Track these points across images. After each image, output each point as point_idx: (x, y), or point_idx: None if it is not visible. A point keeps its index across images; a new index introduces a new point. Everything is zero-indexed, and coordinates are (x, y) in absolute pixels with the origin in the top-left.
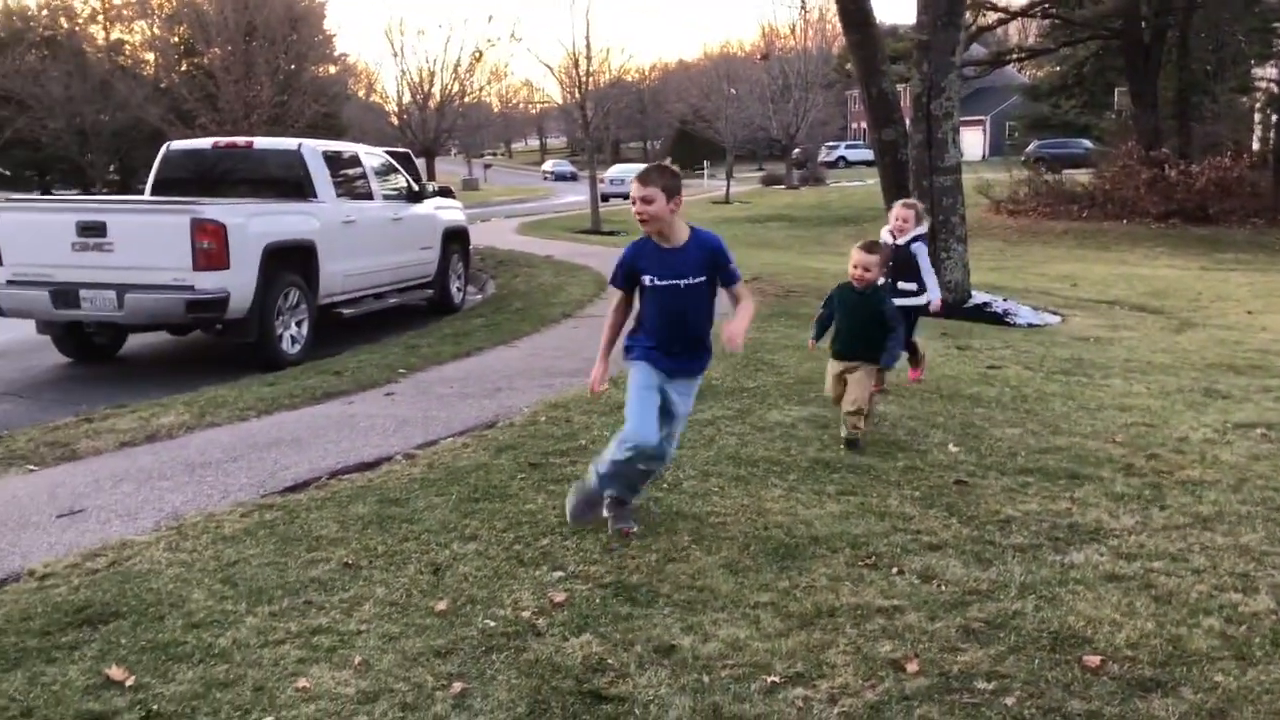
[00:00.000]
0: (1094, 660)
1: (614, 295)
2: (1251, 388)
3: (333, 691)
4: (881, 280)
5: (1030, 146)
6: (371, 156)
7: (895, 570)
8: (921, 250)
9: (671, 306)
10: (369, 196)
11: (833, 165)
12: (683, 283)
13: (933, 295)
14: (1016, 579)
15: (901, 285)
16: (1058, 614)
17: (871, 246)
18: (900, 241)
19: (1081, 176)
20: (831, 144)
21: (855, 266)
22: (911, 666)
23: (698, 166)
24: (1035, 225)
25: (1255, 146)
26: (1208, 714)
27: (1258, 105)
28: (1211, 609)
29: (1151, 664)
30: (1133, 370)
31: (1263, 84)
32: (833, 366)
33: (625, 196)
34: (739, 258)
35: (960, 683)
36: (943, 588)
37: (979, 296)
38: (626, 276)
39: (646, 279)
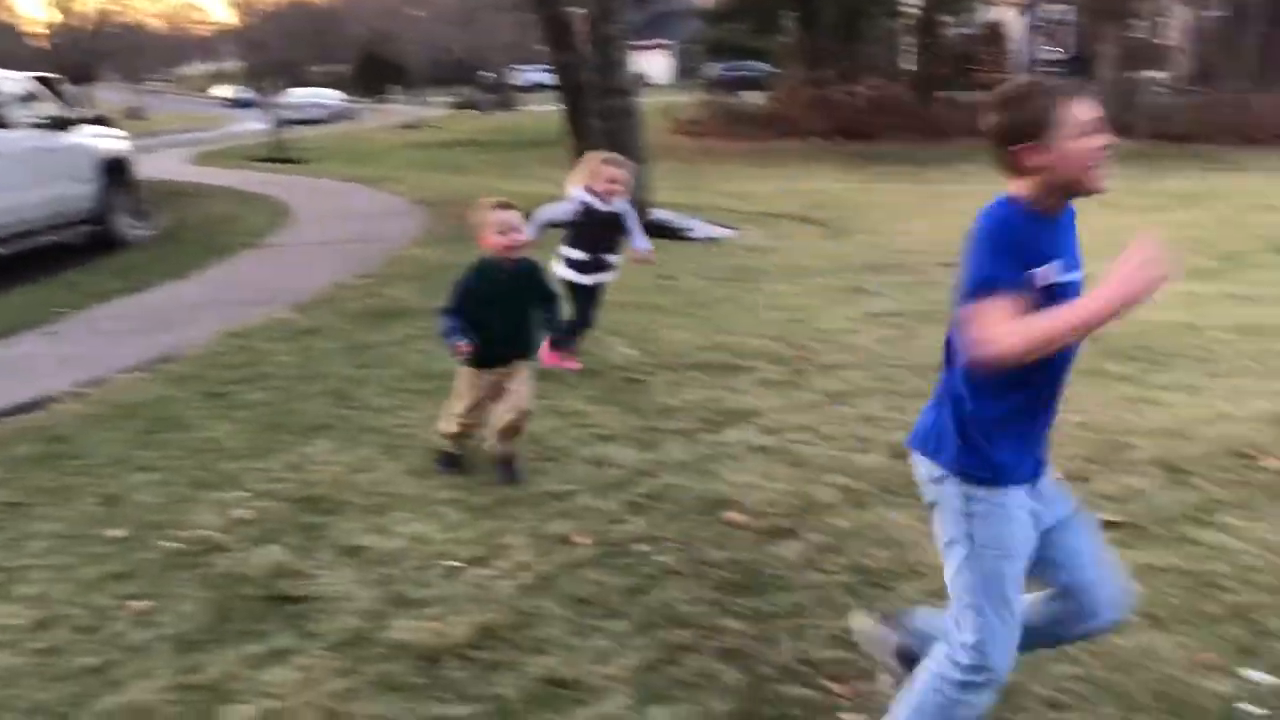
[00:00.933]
0: (736, 518)
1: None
2: (889, 284)
3: (2, 625)
4: (581, 255)
5: (711, 69)
6: (7, 81)
7: (571, 460)
8: (633, 214)
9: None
10: (3, 125)
11: (525, 90)
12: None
13: (645, 244)
14: (675, 458)
15: (608, 258)
16: (709, 484)
17: (508, 204)
18: (612, 207)
19: (757, 98)
20: (522, 68)
21: (501, 232)
22: (581, 539)
23: (385, 91)
24: (714, 146)
25: (908, 68)
26: (825, 549)
27: (905, 25)
28: (836, 468)
29: (784, 516)
30: (791, 274)
31: (910, 9)
32: (476, 379)
33: (308, 122)
34: (428, 183)
35: (621, 548)
36: (611, 471)
37: (658, 214)
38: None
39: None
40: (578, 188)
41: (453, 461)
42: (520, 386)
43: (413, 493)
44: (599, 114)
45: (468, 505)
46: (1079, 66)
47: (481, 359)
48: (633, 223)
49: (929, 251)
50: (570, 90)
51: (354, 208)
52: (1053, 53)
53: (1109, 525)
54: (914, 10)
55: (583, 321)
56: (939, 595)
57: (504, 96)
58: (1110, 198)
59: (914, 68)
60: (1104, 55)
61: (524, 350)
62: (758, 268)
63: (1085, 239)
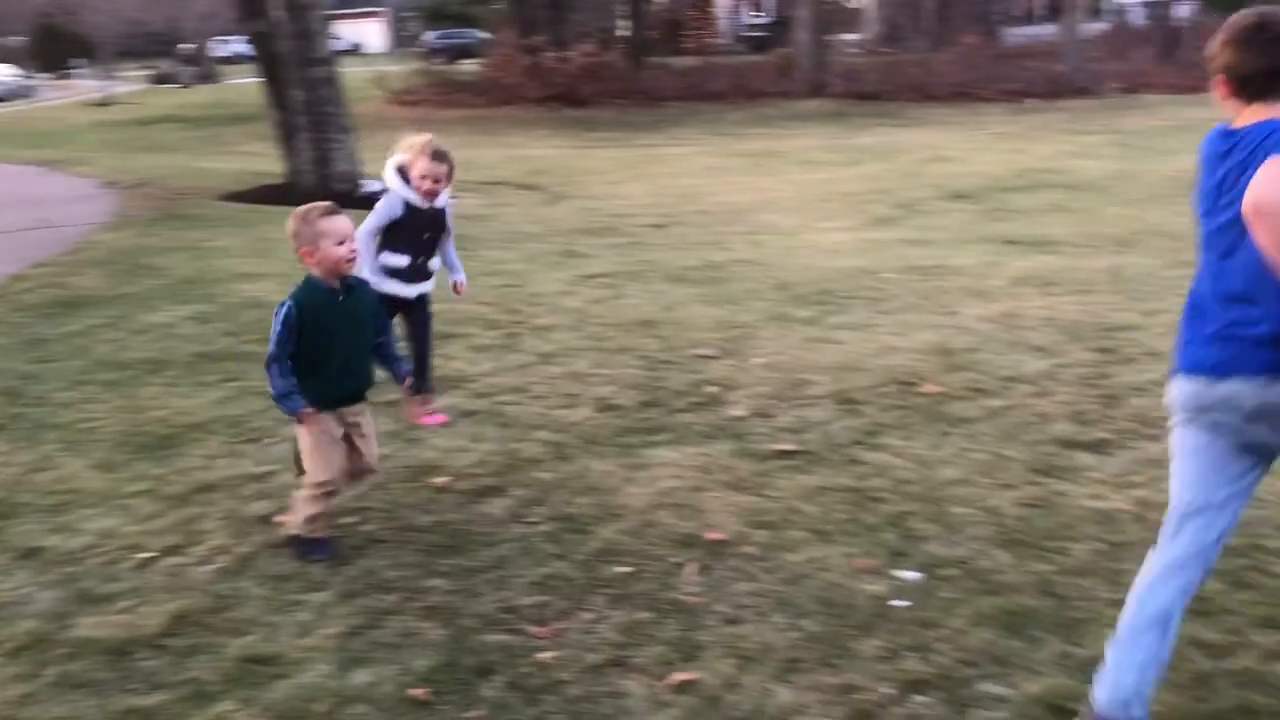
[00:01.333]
0: (442, 481)
1: None
2: (602, 246)
3: None
4: (401, 261)
5: (428, 37)
6: None
7: (268, 441)
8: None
9: None
10: None
11: (229, 61)
12: None
13: (460, 275)
14: (383, 429)
15: (432, 265)
16: (417, 452)
17: (337, 209)
18: (437, 204)
19: (473, 66)
20: (224, 38)
21: (340, 243)
22: (283, 518)
23: (68, 66)
24: (431, 115)
25: (620, 34)
26: (530, 503)
27: None
28: (543, 425)
29: (491, 475)
30: (508, 241)
31: None
32: (327, 433)
33: None
34: (121, 164)
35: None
36: None
37: (371, 185)
38: None
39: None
40: (394, 177)
41: (328, 546)
42: (370, 432)
43: (99, 487)
44: (299, 84)
45: (160, 495)
46: (779, 30)
47: (325, 403)
48: (450, 228)
49: (640, 214)
50: (268, 61)
51: (34, 193)
52: (756, 17)
53: (786, 454)
54: None
55: (424, 349)
56: (635, 534)
57: (205, 69)
58: (808, 154)
59: (627, 34)
60: (800, 19)
61: (368, 383)
62: (474, 235)
63: (785, 192)
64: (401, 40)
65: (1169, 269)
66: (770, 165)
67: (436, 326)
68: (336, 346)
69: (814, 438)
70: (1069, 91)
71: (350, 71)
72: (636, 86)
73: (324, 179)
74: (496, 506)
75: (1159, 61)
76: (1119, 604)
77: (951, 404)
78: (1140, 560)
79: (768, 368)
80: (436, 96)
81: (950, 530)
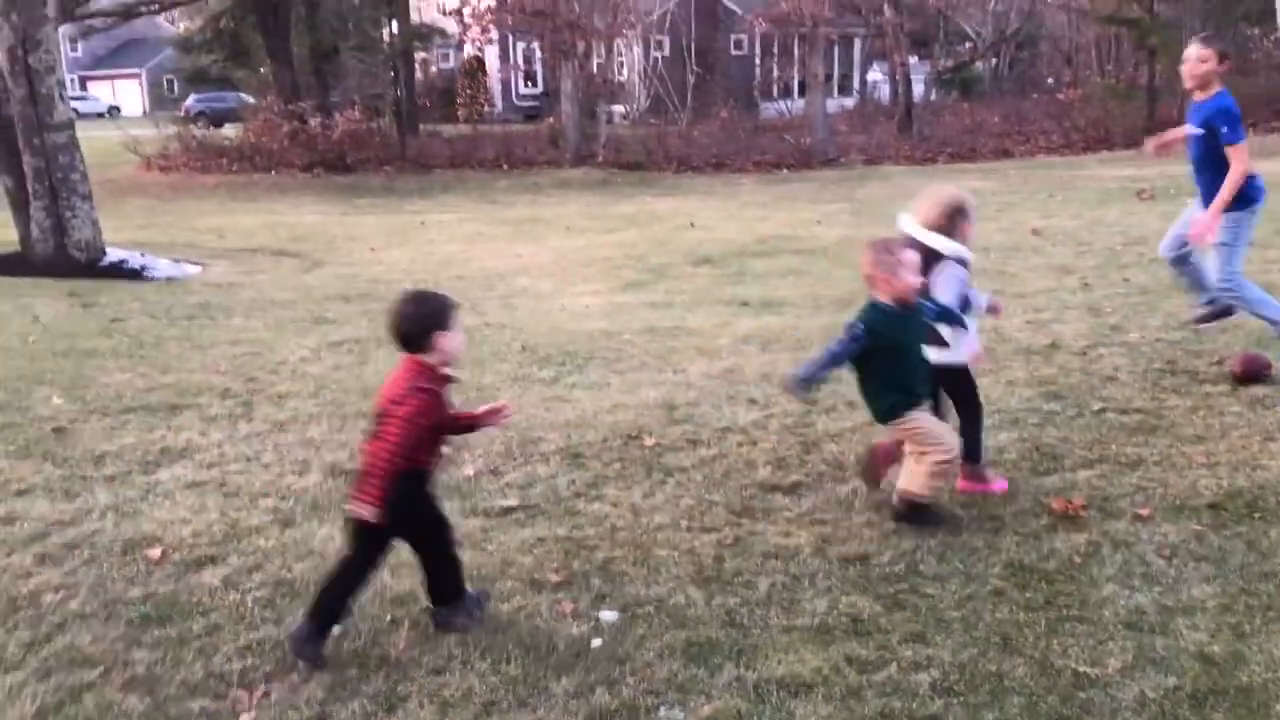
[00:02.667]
0: (156, 553)
1: None
2: (354, 312)
3: None
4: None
5: (189, 100)
6: None
7: None
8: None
9: None
10: None
11: None
12: None
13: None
14: (101, 504)
15: None
16: (134, 525)
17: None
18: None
19: (233, 131)
20: None
21: (914, 273)
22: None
23: None
24: (188, 180)
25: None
26: (247, 570)
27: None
28: (271, 493)
29: (209, 545)
30: (256, 308)
31: (385, 44)
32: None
33: None
34: None
35: (29, 600)
36: (25, 525)
37: (115, 254)
38: None
39: None
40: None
41: (951, 519)
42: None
43: None
44: (34, 150)
45: None
46: (550, 101)
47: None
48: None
49: (398, 280)
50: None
51: None
52: (529, 88)
53: (510, 510)
54: (390, 45)
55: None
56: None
57: None
58: (571, 221)
59: (395, 101)
60: (566, 91)
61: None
62: (221, 304)
63: (544, 258)
64: (162, 103)
65: None
66: (533, 232)
67: (167, 399)
68: (912, 363)
69: (539, 492)
70: (817, 163)
71: (102, 136)
72: (405, 153)
73: (61, 248)
74: (212, 575)
75: (898, 135)
76: (791, 629)
77: (669, 454)
78: (817, 589)
79: (502, 427)
80: (195, 161)
81: (652, 572)
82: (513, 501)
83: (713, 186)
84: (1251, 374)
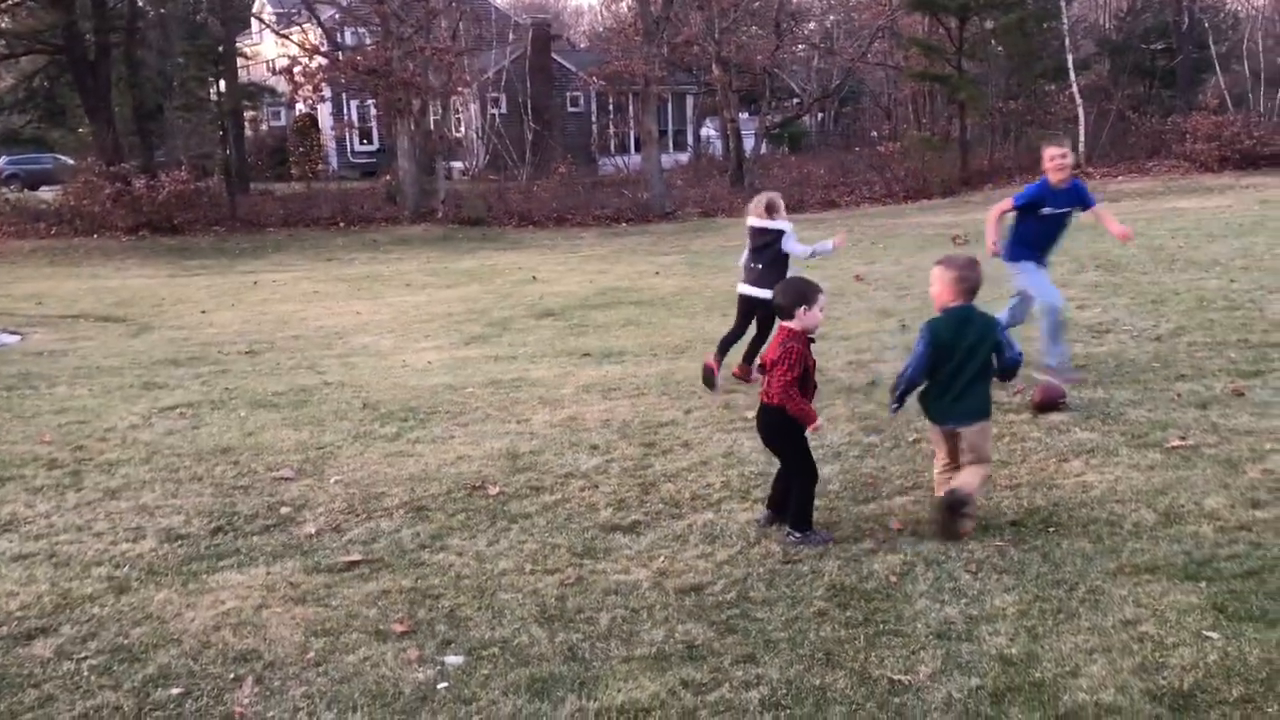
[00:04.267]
0: None
1: None
2: (186, 376)
3: None
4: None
5: (0, 162)
6: None
7: None
8: None
9: None
10: None
11: None
12: None
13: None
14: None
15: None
16: None
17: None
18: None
19: (49, 194)
20: None
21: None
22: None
23: None
24: (3, 246)
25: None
26: (83, 638)
27: (210, 120)
28: (104, 561)
29: (39, 616)
30: (80, 376)
31: (213, 103)
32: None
33: None
34: None
35: None
36: None
37: None
38: None
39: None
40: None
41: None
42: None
43: None
44: None
45: None
46: (386, 157)
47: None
48: None
49: (232, 342)
50: None
51: None
52: (365, 145)
53: (354, 565)
54: (219, 104)
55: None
56: (192, 656)
57: None
58: (411, 277)
59: (224, 160)
60: (401, 148)
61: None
62: (44, 372)
63: (384, 315)
64: None
65: None
66: (373, 289)
67: None
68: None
69: (383, 546)
70: (654, 216)
71: None
72: (236, 213)
73: None
74: (43, 647)
75: (731, 188)
76: (630, 659)
77: (512, 502)
78: (655, 620)
79: (344, 484)
80: (9, 225)
81: (496, 615)
82: (356, 556)
83: (554, 240)
84: (1049, 402)
